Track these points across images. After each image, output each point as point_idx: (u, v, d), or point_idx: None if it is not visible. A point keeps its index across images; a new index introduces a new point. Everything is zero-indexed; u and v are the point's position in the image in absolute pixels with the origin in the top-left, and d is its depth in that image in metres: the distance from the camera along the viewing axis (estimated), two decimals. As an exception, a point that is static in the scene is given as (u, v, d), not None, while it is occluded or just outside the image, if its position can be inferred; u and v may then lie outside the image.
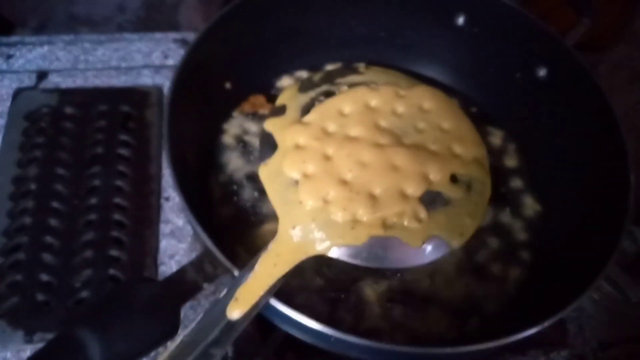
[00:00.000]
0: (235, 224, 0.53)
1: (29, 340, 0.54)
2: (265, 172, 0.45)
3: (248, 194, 0.55)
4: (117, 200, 0.63)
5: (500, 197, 0.59)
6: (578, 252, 0.52)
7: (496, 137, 0.64)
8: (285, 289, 0.43)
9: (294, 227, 0.42)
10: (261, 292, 0.40)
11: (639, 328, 0.73)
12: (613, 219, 0.48)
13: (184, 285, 0.40)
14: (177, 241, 0.62)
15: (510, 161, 0.63)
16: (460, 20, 0.64)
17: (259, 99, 0.62)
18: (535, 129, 0.62)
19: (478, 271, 0.55)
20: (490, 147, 0.61)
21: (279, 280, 0.41)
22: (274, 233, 0.44)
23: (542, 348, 0.60)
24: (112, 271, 0.59)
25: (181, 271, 0.41)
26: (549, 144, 0.61)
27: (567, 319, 0.62)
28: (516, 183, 0.61)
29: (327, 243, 0.42)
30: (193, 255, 0.55)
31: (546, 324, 0.42)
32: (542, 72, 0.60)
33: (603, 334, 0.64)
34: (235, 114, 0.62)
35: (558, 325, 0.61)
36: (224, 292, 0.40)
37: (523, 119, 0.63)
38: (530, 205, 0.60)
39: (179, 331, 0.39)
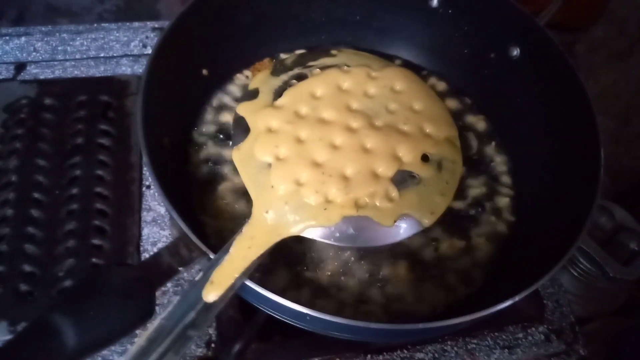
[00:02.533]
0: (212, 208, 0.54)
1: (13, 330, 0.55)
2: (238, 156, 0.46)
3: (225, 178, 0.55)
4: (99, 189, 0.64)
5: (475, 174, 0.60)
6: (551, 228, 0.53)
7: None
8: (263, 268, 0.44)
9: (267, 211, 0.43)
10: (236, 275, 0.41)
11: (617, 303, 0.75)
12: (584, 194, 0.49)
13: (159, 269, 0.41)
14: (159, 228, 0.62)
15: (484, 136, 0.63)
16: (435, 2, 0.64)
17: (264, 63, 0.63)
18: (509, 109, 0.63)
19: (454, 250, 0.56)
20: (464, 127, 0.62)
21: (253, 262, 0.41)
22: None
23: (519, 324, 0.61)
24: (94, 260, 0.59)
25: (157, 255, 0.41)
26: (523, 122, 0.61)
27: (544, 295, 0.63)
28: (490, 161, 0.62)
29: (301, 225, 0.43)
30: (176, 242, 0.56)
31: (517, 298, 0.43)
32: (515, 52, 0.61)
33: (581, 309, 0.66)
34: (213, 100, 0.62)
35: (535, 301, 0.62)
36: (200, 275, 0.41)
37: (497, 99, 0.64)
38: (504, 182, 0.61)
39: (157, 314, 0.40)
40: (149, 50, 0.76)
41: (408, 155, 0.46)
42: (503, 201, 0.59)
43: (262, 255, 0.42)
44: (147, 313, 0.38)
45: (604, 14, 0.93)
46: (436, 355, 0.58)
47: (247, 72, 0.63)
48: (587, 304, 0.70)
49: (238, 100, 0.59)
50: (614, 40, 0.93)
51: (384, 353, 0.57)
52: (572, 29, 0.91)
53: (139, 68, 0.74)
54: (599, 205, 0.65)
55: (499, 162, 0.62)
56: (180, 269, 0.41)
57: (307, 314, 0.40)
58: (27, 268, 0.58)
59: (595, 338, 0.67)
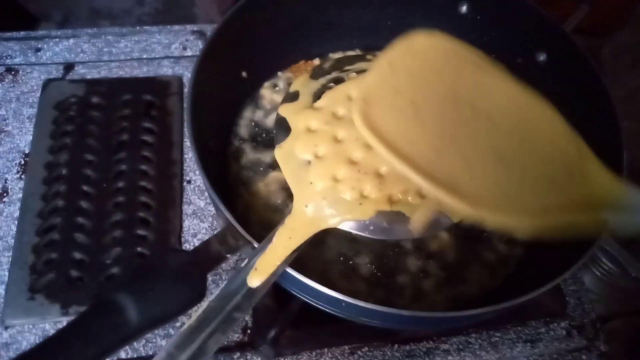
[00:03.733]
0: (252, 202, 0.58)
1: (65, 312, 0.59)
2: (280, 154, 0.49)
3: (262, 174, 0.59)
4: (143, 183, 0.68)
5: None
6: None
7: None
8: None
9: (306, 205, 0.46)
10: (278, 262, 0.44)
11: (638, 302, 0.76)
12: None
13: (209, 255, 0.44)
14: (199, 221, 0.66)
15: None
16: (464, 8, 0.67)
17: (299, 66, 0.68)
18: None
19: (481, 247, 0.59)
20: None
21: (294, 252, 0.45)
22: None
23: (542, 319, 0.63)
24: (139, 249, 0.63)
25: (207, 243, 0.45)
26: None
27: (567, 292, 0.65)
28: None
29: (337, 218, 0.46)
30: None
31: (537, 292, 0.45)
32: (541, 57, 0.63)
33: (603, 308, 0.68)
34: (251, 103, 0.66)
35: (557, 297, 0.64)
36: (245, 262, 0.44)
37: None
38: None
39: (206, 297, 0.43)
40: (188, 52, 0.80)
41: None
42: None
43: (301, 245, 0.45)
44: (200, 295, 0.42)
45: (629, 19, 0.95)
46: (460, 346, 0.61)
47: (284, 74, 0.67)
48: (609, 303, 0.72)
49: (275, 101, 0.63)
50: (639, 44, 0.94)
51: (410, 343, 0.60)
52: (598, 34, 0.93)
53: (179, 69, 0.78)
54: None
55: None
56: (228, 256, 0.45)
57: (343, 300, 0.43)
58: (77, 255, 0.62)
59: (616, 336, 0.69)
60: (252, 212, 0.57)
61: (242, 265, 0.44)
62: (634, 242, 0.74)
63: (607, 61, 0.93)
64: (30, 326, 0.59)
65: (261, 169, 0.61)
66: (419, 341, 0.61)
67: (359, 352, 0.59)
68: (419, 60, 0.47)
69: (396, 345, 0.60)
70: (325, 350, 0.59)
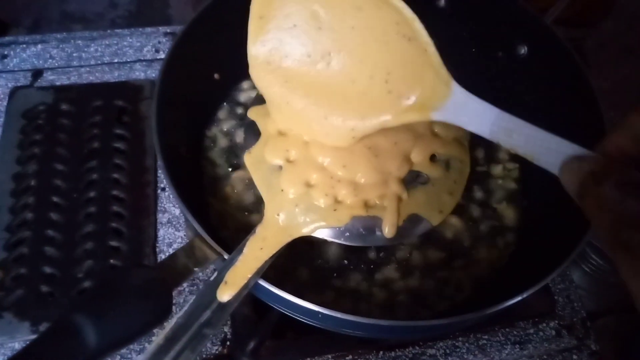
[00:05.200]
0: (226, 211, 0.55)
1: (34, 330, 0.57)
2: (249, 160, 0.47)
3: (237, 182, 0.57)
4: (115, 192, 0.65)
5: (483, 173, 0.61)
6: (561, 224, 0.54)
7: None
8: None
9: (278, 214, 0.44)
10: (249, 275, 0.42)
11: (628, 298, 0.75)
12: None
13: (175, 269, 0.42)
14: (174, 229, 0.64)
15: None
16: (442, 1, 0.65)
17: None
18: (517, 107, 0.62)
19: (465, 248, 0.57)
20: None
21: (266, 262, 0.43)
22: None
23: (530, 319, 0.61)
24: (112, 261, 0.61)
25: (173, 256, 0.43)
26: (531, 120, 0.61)
27: (555, 291, 0.64)
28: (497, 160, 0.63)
29: (311, 226, 0.44)
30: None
31: (525, 294, 0.44)
32: (522, 50, 0.61)
33: (592, 304, 0.66)
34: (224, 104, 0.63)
35: (546, 297, 0.63)
36: (215, 275, 0.42)
37: (505, 97, 0.64)
38: (511, 181, 0.62)
39: (174, 313, 0.41)
40: (161, 55, 0.78)
41: (418, 156, 0.46)
42: (511, 198, 0.60)
43: (274, 255, 0.43)
44: (165, 312, 0.40)
45: (613, 8, 0.93)
46: (447, 351, 0.59)
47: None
48: (599, 300, 0.70)
49: (249, 104, 0.61)
50: (623, 35, 0.92)
51: (396, 350, 0.58)
52: (581, 25, 0.91)
53: (152, 73, 0.76)
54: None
55: (506, 160, 0.62)
56: (195, 269, 0.42)
57: (319, 312, 0.41)
58: (48, 270, 0.60)
59: (607, 333, 0.67)
60: (228, 219, 0.55)
61: (212, 278, 0.42)
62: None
63: (592, 52, 0.92)
64: (-1, 346, 0.56)
65: (228, 169, 0.59)
66: (404, 347, 0.59)
67: (343, 361, 0.57)
68: None
69: (381, 352, 0.58)
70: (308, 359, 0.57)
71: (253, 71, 0.44)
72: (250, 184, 0.55)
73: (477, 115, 0.39)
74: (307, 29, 0.42)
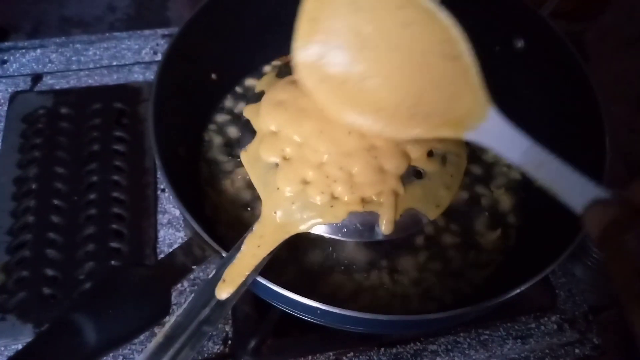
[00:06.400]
0: (224, 210, 0.55)
1: (38, 332, 0.57)
2: (246, 158, 0.47)
3: (235, 180, 0.57)
4: (115, 194, 0.66)
5: (482, 164, 0.62)
6: (559, 217, 0.53)
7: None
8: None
9: (275, 211, 0.44)
10: (247, 272, 0.42)
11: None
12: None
13: (174, 268, 0.42)
14: (174, 230, 0.64)
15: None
16: (437, -3, 0.65)
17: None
18: (515, 100, 0.63)
19: (466, 240, 0.57)
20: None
21: (263, 260, 0.43)
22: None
23: (532, 314, 0.61)
24: (113, 262, 0.61)
25: (171, 255, 0.43)
26: (529, 113, 0.61)
27: (556, 285, 0.63)
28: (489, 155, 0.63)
29: (308, 223, 0.44)
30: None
31: (524, 287, 0.44)
32: (520, 44, 0.61)
33: (594, 298, 0.66)
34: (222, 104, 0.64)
35: (547, 290, 0.63)
36: (213, 273, 0.42)
37: (503, 91, 0.64)
38: (510, 173, 0.61)
39: (173, 312, 0.41)
40: (159, 57, 0.77)
41: (415, 152, 0.46)
42: (510, 191, 0.60)
43: (271, 253, 0.43)
44: (163, 311, 0.40)
45: (611, 1, 0.93)
46: (449, 346, 0.59)
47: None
48: (601, 293, 0.69)
49: (245, 103, 0.61)
50: (623, 27, 0.92)
51: (397, 346, 0.58)
52: (580, 18, 0.91)
53: (151, 75, 0.76)
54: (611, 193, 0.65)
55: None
56: (194, 267, 0.43)
57: (317, 308, 0.41)
58: (50, 272, 0.60)
59: (609, 327, 0.67)
60: (221, 212, 0.55)
61: (210, 276, 0.42)
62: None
63: (592, 45, 0.91)
64: (2, 348, 0.57)
65: (227, 167, 0.59)
66: (406, 343, 0.59)
67: (344, 358, 0.57)
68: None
69: (382, 349, 0.58)
70: (309, 357, 0.57)
71: (299, 72, 0.44)
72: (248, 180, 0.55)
73: (510, 142, 0.39)
74: (350, 45, 0.42)
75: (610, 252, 0.29)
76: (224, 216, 0.55)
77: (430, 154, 0.47)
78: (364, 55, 0.42)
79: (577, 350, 0.60)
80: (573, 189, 0.35)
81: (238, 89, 0.65)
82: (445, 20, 0.40)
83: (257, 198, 0.55)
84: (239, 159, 0.58)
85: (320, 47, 0.43)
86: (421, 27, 0.40)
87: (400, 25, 0.40)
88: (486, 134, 0.40)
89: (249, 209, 0.56)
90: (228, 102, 0.64)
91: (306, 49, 0.43)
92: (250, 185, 0.56)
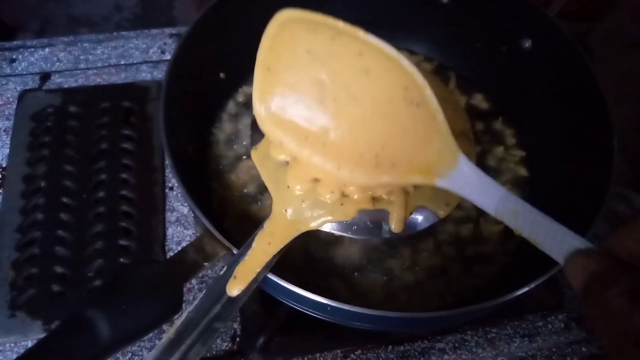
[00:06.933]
0: (232, 203, 0.56)
1: (47, 329, 0.57)
2: (256, 156, 0.47)
3: (244, 178, 0.57)
4: (124, 192, 0.66)
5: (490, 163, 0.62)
6: (567, 216, 0.54)
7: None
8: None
9: (285, 209, 0.45)
10: (258, 269, 0.42)
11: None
12: (599, 182, 0.50)
13: (185, 264, 0.42)
14: (183, 228, 0.64)
15: (498, 128, 0.65)
16: (445, -3, 0.65)
17: None
18: (522, 100, 0.63)
19: (470, 239, 0.57)
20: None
21: (274, 257, 0.43)
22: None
23: (539, 312, 0.62)
24: (122, 260, 0.61)
25: (182, 252, 0.43)
26: (536, 113, 0.62)
27: (563, 284, 0.64)
28: (498, 151, 0.63)
29: (319, 220, 0.44)
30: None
31: (532, 286, 0.44)
32: (527, 44, 0.61)
33: (601, 296, 0.66)
34: (231, 102, 0.64)
35: (554, 289, 0.63)
36: (224, 270, 0.43)
37: (510, 91, 0.64)
38: (518, 170, 0.62)
39: (184, 308, 0.42)
40: (167, 56, 0.78)
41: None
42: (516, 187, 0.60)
43: (282, 250, 0.44)
44: (175, 307, 0.40)
45: (616, 1, 0.93)
46: (456, 344, 0.59)
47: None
48: (607, 292, 0.70)
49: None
50: (628, 27, 0.92)
51: (405, 344, 0.59)
52: (585, 19, 0.91)
53: (158, 74, 0.76)
54: (616, 193, 0.65)
55: (514, 154, 0.63)
56: (205, 264, 0.43)
57: (327, 305, 0.41)
58: (59, 269, 0.60)
59: (616, 326, 0.67)
60: (228, 205, 0.56)
61: (221, 273, 0.42)
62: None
63: (597, 46, 0.92)
64: (12, 344, 0.57)
65: (233, 161, 0.60)
66: (413, 341, 0.59)
67: (352, 356, 0.58)
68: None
69: (390, 347, 0.58)
70: (317, 355, 0.57)
71: (260, 123, 0.44)
72: (256, 174, 0.55)
73: (482, 191, 0.39)
74: (310, 97, 0.41)
75: (595, 310, 0.28)
76: (232, 210, 0.55)
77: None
78: (325, 108, 0.41)
79: (584, 349, 0.60)
80: (554, 239, 0.34)
81: (247, 87, 0.65)
82: (408, 66, 0.38)
83: (264, 191, 0.56)
84: (245, 155, 0.60)
85: (279, 99, 0.42)
86: (382, 74, 0.39)
87: (360, 72, 0.39)
88: (458, 181, 0.40)
89: (258, 203, 0.56)
90: (237, 99, 0.64)
91: (265, 102, 0.43)
92: (256, 179, 0.56)
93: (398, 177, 0.41)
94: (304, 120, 0.42)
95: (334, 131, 0.41)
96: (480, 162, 0.61)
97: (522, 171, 0.62)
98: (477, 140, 0.60)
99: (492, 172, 0.62)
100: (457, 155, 0.39)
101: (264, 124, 0.43)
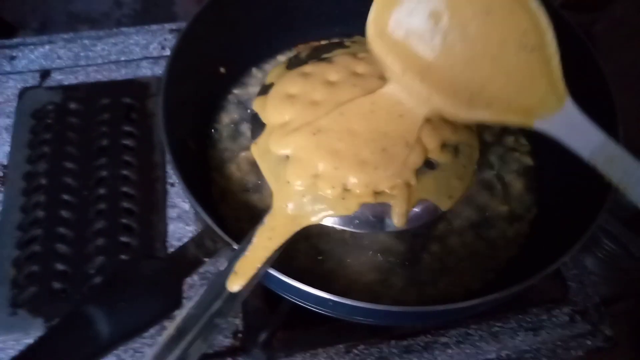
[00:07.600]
0: (235, 201, 0.55)
1: (48, 326, 0.57)
2: (256, 151, 0.47)
3: (245, 173, 0.57)
4: (125, 189, 0.66)
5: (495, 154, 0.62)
6: (572, 208, 0.53)
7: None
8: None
9: (286, 204, 0.44)
10: (258, 265, 0.42)
11: (642, 282, 0.74)
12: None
13: (186, 260, 0.42)
14: (184, 224, 0.64)
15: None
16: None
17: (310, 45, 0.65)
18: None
19: (479, 232, 0.57)
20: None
21: (275, 252, 0.43)
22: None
23: (543, 305, 0.61)
24: (123, 256, 0.61)
25: (183, 247, 0.43)
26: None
27: (568, 277, 0.63)
28: (509, 141, 0.63)
29: (320, 215, 0.44)
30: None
31: (537, 278, 0.43)
32: (530, 35, 0.60)
33: (606, 290, 0.65)
34: (231, 96, 0.64)
35: (558, 282, 0.62)
36: (225, 265, 0.42)
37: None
38: (523, 161, 0.61)
39: (185, 304, 0.41)
40: (167, 52, 0.78)
41: (430, 144, 0.46)
42: (522, 184, 0.59)
43: (283, 245, 0.43)
44: (175, 303, 0.40)
45: (620, -8, 0.92)
46: (460, 339, 0.59)
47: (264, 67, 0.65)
48: (612, 285, 0.69)
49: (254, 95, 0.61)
50: (632, 18, 0.91)
51: (408, 338, 0.58)
52: (590, 9, 0.90)
53: (159, 70, 0.76)
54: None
55: (520, 145, 0.62)
56: (205, 259, 0.43)
57: (329, 300, 0.41)
58: (60, 267, 0.60)
59: (621, 319, 0.67)
60: (229, 196, 0.56)
61: (222, 268, 0.42)
62: (637, 221, 0.72)
63: (601, 36, 0.91)
64: (14, 342, 0.57)
65: (232, 153, 0.59)
66: (416, 335, 0.59)
67: (355, 351, 0.57)
68: None
69: (393, 341, 0.58)
70: (320, 350, 0.57)
71: (371, 42, 0.45)
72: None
73: (582, 135, 0.39)
74: (422, 30, 0.41)
75: None
76: (232, 201, 0.55)
77: (442, 145, 0.47)
78: (433, 45, 0.41)
79: (588, 342, 0.60)
80: None
81: (247, 80, 0.65)
82: (536, 8, 0.39)
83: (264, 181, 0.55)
84: (245, 149, 0.59)
85: (393, 22, 0.43)
86: (504, 15, 0.39)
87: (481, 12, 0.39)
88: (558, 125, 0.40)
89: (259, 192, 0.56)
90: (237, 94, 0.64)
91: (379, 23, 0.43)
92: (256, 169, 0.56)
93: (493, 116, 0.41)
94: (410, 50, 0.42)
95: (435, 67, 0.41)
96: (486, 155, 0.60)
97: (528, 160, 0.61)
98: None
99: (500, 160, 0.61)
100: (564, 99, 0.40)
101: (374, 44, 0.44)
